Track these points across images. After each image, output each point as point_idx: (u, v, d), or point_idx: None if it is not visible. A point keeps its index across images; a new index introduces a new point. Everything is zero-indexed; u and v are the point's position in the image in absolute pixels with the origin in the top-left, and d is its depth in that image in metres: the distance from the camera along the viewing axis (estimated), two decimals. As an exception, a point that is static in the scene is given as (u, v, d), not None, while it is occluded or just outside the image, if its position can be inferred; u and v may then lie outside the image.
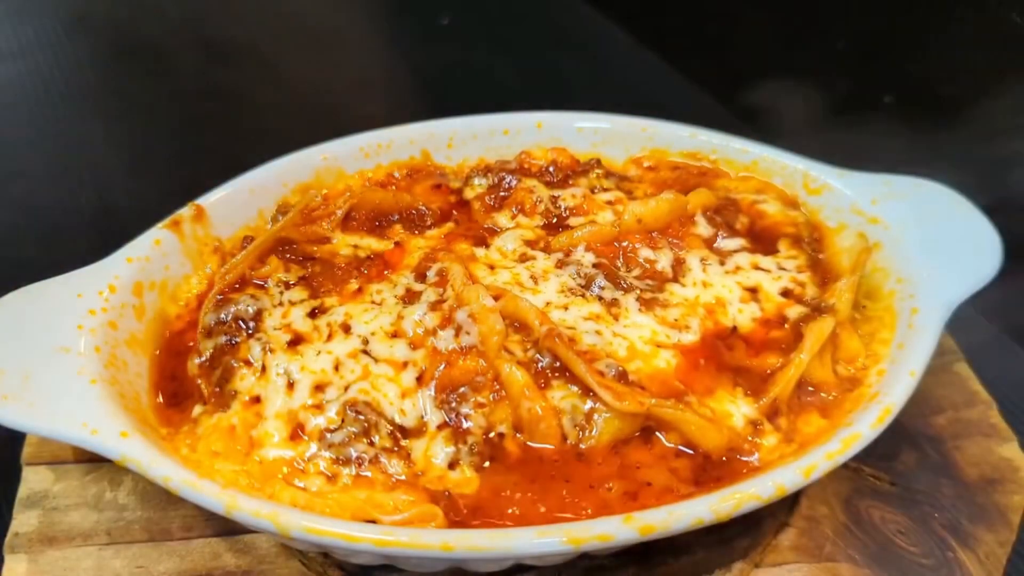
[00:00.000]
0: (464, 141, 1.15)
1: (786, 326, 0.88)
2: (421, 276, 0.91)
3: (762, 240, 0.99)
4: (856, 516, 0.87)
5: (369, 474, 0.76)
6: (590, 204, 1.01)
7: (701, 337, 0.86)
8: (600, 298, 0.88)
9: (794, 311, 0.89)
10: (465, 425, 0.78)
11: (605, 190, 1.04)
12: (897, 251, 0.94)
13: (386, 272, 0.94)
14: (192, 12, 2.18)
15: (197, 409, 0.83)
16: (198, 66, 1.96)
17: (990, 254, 0.89)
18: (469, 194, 1.06)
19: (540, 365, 0.80)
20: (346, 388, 0.80)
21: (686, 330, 0.86)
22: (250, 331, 0.85)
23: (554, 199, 1.02)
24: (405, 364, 0.82)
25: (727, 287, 0.91)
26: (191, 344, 0.89)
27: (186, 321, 0.94)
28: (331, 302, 0.89)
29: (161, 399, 0.86)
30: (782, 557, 0.84)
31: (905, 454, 0.93)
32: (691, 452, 0.78)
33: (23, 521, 0.85)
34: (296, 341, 0.84)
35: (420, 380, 0.81)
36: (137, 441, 0.73)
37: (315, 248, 0.96)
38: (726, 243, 0.97)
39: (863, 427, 0.75)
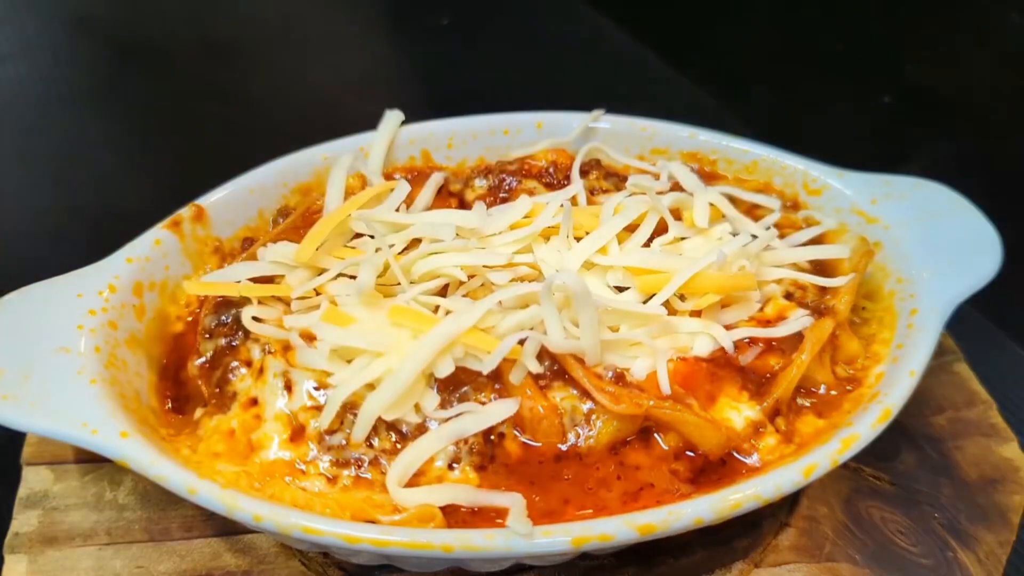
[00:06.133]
0: (464, 141, 1.15)
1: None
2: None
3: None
4: (856, 516, 0.87)
5: (369, 475, 0.76)
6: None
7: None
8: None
9: (794, 313, 0.89)
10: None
11: (605, 191, 1.04)
12: (897, 251, 0.94)
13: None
14: (192, 12, 2.18)
15: (198, 412, 0.82)
16: (198, 66, 1.96)
17: (990, 254, 0.89)
18: (470, 196, 1.06)
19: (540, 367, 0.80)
20: (346, 389, 0.80)
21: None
22: (250, 333, 0.85)
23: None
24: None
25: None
26: (192, 345, 0.89)
27: (186, 322, 0.94)
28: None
29: (163, 401, 0.86)
30: (782, 557, 0.84)
31: (905, 454, 0.93)
32: (690, 453, 0.78)
33: (23, 521, 0.85)
34: (296, 341, 0.84)
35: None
36: (137, 441, 0.73)
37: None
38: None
39: (863, 427, 0.75)
